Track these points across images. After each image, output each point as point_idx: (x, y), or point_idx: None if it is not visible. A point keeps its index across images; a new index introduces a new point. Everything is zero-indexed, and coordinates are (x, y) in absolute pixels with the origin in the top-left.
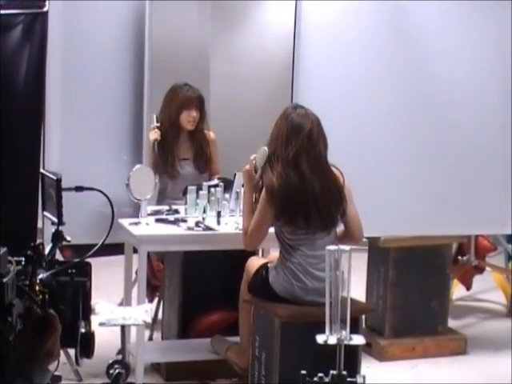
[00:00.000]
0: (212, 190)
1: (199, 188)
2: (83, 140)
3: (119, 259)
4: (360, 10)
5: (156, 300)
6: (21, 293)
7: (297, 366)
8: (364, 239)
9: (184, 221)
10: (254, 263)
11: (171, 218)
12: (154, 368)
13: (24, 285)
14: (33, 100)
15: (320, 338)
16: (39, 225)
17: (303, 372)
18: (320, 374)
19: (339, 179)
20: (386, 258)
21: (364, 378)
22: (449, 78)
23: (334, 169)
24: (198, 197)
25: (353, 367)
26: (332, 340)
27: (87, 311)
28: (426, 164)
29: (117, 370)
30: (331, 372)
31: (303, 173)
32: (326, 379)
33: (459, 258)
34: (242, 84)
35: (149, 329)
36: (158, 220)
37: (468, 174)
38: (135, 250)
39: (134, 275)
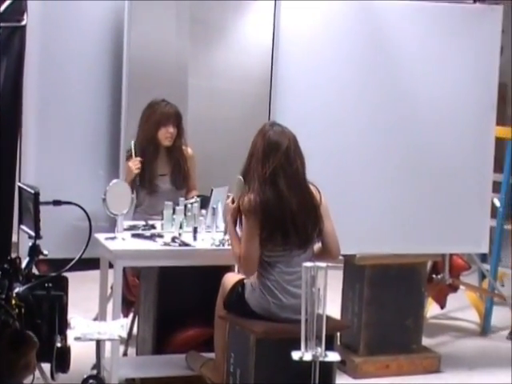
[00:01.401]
0: (188, 205)
1: (176, 204)
2: (60, 154)
3: (95, 274)
4: (339, 26)
5: (131, 315)
6: None
7: (272, 383)
8: (339, 256)
9: (160, 236)
10: (230, 279)
11: (147, 233)
12: (129, 383)
13: (0, 298)
14: (9, 113)
15: (295, 355)
16: (14, 239)
17: None
18: None
19: (316, 197)
20: (361, 275)
21: None
22: (426, 96)
23: (311, 186)
24: (174, 212)
25: None
26: (307, 356)
27: (63, 325)
28: (401, 182)
29: None
30: None
31: (280, 190)
32: None
33: (434, 276)
34: (220, 99)
35: (123, 344)
36: (134, 235)
37: (443, 193)
38: (111, 265)
39: (109, 290)
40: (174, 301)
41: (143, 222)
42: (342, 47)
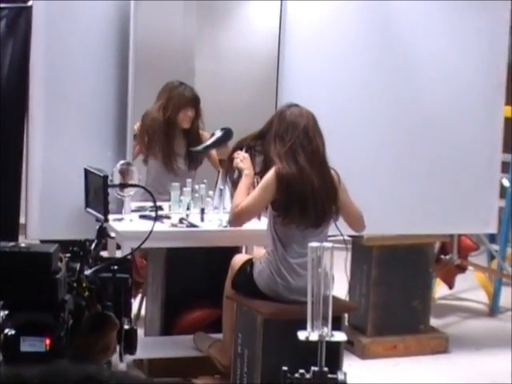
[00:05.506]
0: (196, 186)
1: (183, 185)
2: (67, 135)
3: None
4: (345, 9)
5: (139, 296)
6: (70, 289)
7: (279, 363)
8: (347, 237)
9: (168, 217)
10: (239, 259)
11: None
12: (137, 364)
13: (72, 281)
14: (16, 95)
15: (302, 335)
16: (21, 221)
17: (284, 368)
18: (301, 371)
19: (335, 179)
20: (369, 256)
21: (345, 374)
22: (434, 76)
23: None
24: (181, 193)
25: (335, 364)
26: (313, 336)
27: (129, 308)
28: (409, 163)
29: None
30: (312, 368)
31: (301, 166)
32: (307, 375)
33: (442, 256)
34: (227, 82)
35: None
36: (141, 216)
37: (452, 174)
38: (118, 247)
39: None
40: (182, 282)
41: (151, 204)
42: (350, 29)
